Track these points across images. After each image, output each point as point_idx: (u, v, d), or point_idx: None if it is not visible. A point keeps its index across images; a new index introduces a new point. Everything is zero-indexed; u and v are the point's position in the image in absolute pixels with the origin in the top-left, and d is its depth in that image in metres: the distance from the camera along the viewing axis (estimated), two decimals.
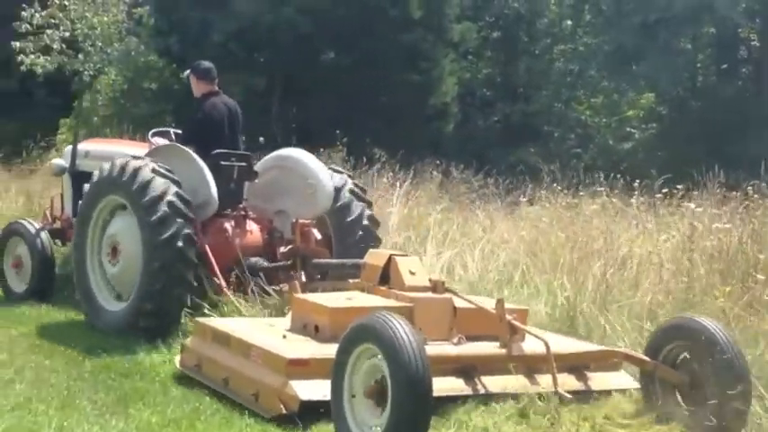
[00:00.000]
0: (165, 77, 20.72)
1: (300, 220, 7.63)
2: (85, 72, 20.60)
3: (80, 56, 20.78)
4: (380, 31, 21.61)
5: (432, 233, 10.39)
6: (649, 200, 10.74)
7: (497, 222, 11.71)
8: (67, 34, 20.49)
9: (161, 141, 8.39)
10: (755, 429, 5.22)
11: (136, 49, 20.97)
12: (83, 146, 9.32)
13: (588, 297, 7.43)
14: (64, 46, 20.58)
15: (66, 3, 20.93)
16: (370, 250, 6.65)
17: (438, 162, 15.30)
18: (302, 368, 5.13)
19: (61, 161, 9.35)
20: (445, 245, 9.98)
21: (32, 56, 20.07)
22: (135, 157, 7.45)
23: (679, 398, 5.32)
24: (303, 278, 7.23)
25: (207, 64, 8.31)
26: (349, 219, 8.23)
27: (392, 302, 5.68)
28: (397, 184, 12.59)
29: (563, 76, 29.91)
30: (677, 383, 5.30)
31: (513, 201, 13.40)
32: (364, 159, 14.44)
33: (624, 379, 5.74)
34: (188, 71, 8.35)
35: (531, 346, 5.42)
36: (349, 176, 8.62)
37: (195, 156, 7.59)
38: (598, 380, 5.59)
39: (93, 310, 7.60)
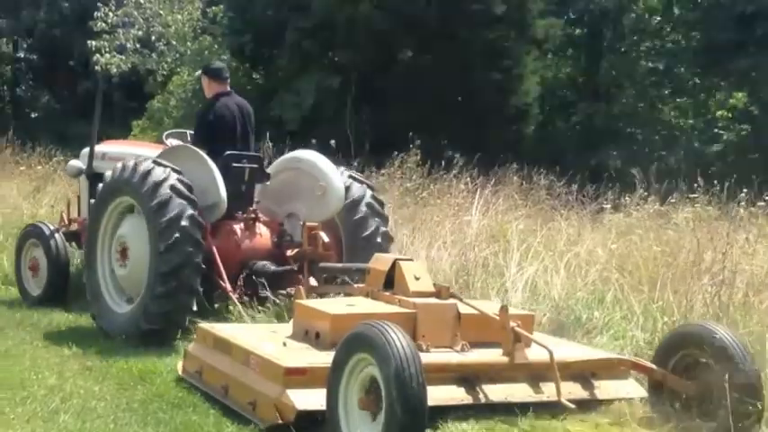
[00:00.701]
0: (237, 78, 20.30)
1: (308, 224, 7.51)
2: (159, 72, 20.38)
3: (153, 55, 20.57)
4: (460, 28, 20.90)
5: (513, 246, 9.68)
6: (751, 208, 9.88)
7: (583, 233, 10.94)
8: (141, 33, 20.28)
9: (176, 143, 8.31)
10: None
11: (209, 48, 20.64)
12: (100, 147, 9.20)
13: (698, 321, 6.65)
14: (138, 45, 20.39)
15: (142, 0, 20.72)
16: (376, 254, 6.50)
17: (517, 166, 14.53)
18: (300, 377, 5.04)
19: (78, 162, 9.24)
20: (528, 259, 9.25)
21: (107, 55, 19.90)
22: (146, 159, 7.37)
23: (689, 407, 5.15)
24: (313, 282, 7.02)
25: (219, 64, 8.36)
26: (364, 234, 8.01)
27: (395, 308, 5.60)
28: (477, 191, 11.91)
29: (648, 74, 28.72)
30: (687, 393, 5.15)
31: (597, 208, 12.61)
32: (442, 163, 13.80)
33: (633, 387, 5.58)
34: (199, 71, 8.23)
35: (535, 353, 5.29)
36: (369, 187, 8.38)
37: (206, 157, 7.50)
38: (605, 388, 5.48)
39: (101, 311, 7.54)
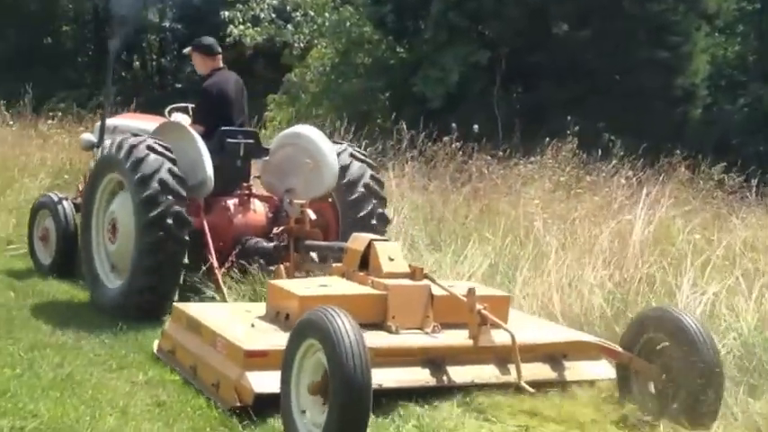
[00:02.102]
0: (379, 51, 19.14)
1: (296, 201, 7.47)
2: (295, 44, 19.39)
3: (290, 26, 19.55)
4: (623, 1, 19.00)
5: (686, 257, 8.03)
6: None
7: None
8: (276, 3, 19.28)
9: (180, 118, 8.23)
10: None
11: (350, 19, 19.42)
12: (111, 121, 9.23)
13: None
14: (274, 15, 19.42)
15: None
16: (354, 234, 6.38)
17: (684, 154, 12.72)
18: (260, 360, 5.04)
19: (91, 136, 9.32)
20: (705, 277, 7.60)
21: (241, 26, 19.02)
22: (134, 135, 7.42)
23: (653, 390, 5.23)
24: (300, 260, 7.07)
25: (209, 39, 8.28)
26: (360, 214, 7.92)
27: (366, 290, 5.63)
28: (639, 185, 10.28)
29: None
30: (652, 376, 5.23)
31: None
32: (599, 152, 12.20)
33: (604, 369, 5.65)
34: (189, 48, 8.33)
35: (503, 336, 5.23)
36: (370, 166, 8.18)
37: (194, 134, 7.54)
38: (575, 370, 5.56)
39: (96, 287, 7.61)
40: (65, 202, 8.97)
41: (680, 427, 4.90)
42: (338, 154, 7.89)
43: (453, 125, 11.70)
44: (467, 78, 18.24)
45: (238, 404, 4.99)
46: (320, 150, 7.77)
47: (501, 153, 12.35)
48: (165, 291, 7.01)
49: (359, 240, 6.08)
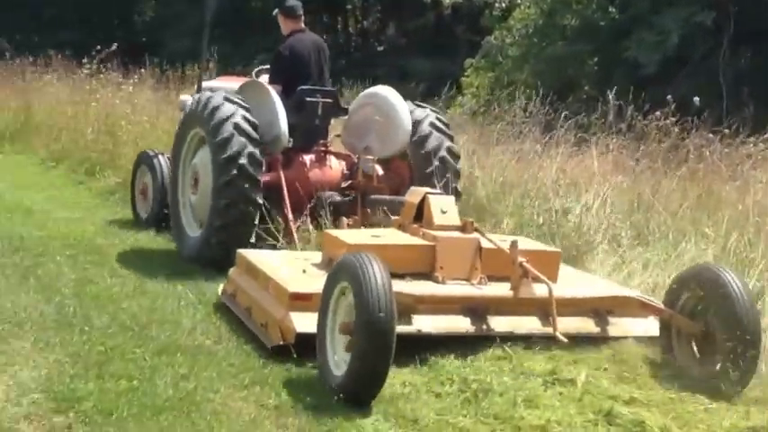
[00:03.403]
0: (588, 11, 17.63)
1: (366, 158, 7.96)
2: (496, 4, 18.15)
3: None
4: None
5: None
6: None
7: None
8: None
9: (264, 79, 8.53)
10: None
11: None
12: (208, 83, 9.71)
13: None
14: None
15: None
16: (412, 188, 6.67)
17: None
18: (304, 302, 5.30)
19: (188, 97, 9.69)
20: None
21: None
22: (226, 99, 7.68)
23: (695, 349, 5.24)
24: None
25: (292, 2, 8.45)
26: (426, 149, 8.13)
27: (416, 240, 5.85)
28: None
29: None
30: (692, 333, 5.25)
31: None
32: None
33: (651, 326, 5.62)
34: (276, 10, 8.57)
35: (544, 289, 5.32)
36: (433, 111, 8.47)
37: (272, 92, 7.89)
38: (620, 326, 5.63)
39: (180, 236, 8.10)
40: (160, 158, 9.50)
41: (713, 387, 4.90)
42: (419, 122, 8.15)
43: (669, 97, 10.16)
44: (688, 42, 16.48)
45: (282, 342, 5.29)
46: (394, 110, 8.09)
47: (726, 129, 10.60)
48: (239, 241, 7.20)
49: (415, 194, 6.29)
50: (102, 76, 14.79)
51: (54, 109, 15.08)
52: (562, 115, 10.64)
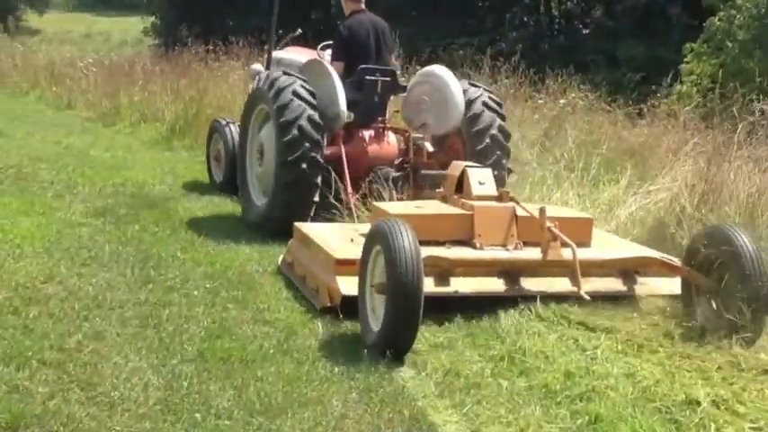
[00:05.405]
0: None
1: (414, 134, 8.37)
2: None
3: None
4: None
5: None
6: None
7: None
8: None
9: (328, 55, 8.88)
10: None
11: None
12: (278, 54, 9.83)
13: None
14: None
15: None
16: (453, 162, 6.99)
17: None
18: (348, 267, 5.64)
19: (259, 66, 10.10)
20: None
21: None
22: (285, 74, 8.07)
23: (714, 306, 5.43)
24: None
25: None
26: (478, 127, 8.31)
27: (456, 210, 6.28)
28: None
29: None
30: (709, 290, 5.47)
31: None
32: None
33: (675, 285, 5.83)
34: None
35: (583, 252, 5.81)
36: (486, 90, 8.67)
37: (333, 71, 8.20)
38: (647, 286, 5.94)
39: (247, 203, 8.47)
40: (232, 126, 9.88)
41: (725, 343, 5.09)
42: (472, 101, 8.31)
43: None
44: None
45: (329, 304, 5.73)
46: (448, 88, 8.31)
47: None
48: (302, 205, 7.73)
49: (456, 167, 6.68)
50: None
51: (226, 98, 13.39)
52: None
